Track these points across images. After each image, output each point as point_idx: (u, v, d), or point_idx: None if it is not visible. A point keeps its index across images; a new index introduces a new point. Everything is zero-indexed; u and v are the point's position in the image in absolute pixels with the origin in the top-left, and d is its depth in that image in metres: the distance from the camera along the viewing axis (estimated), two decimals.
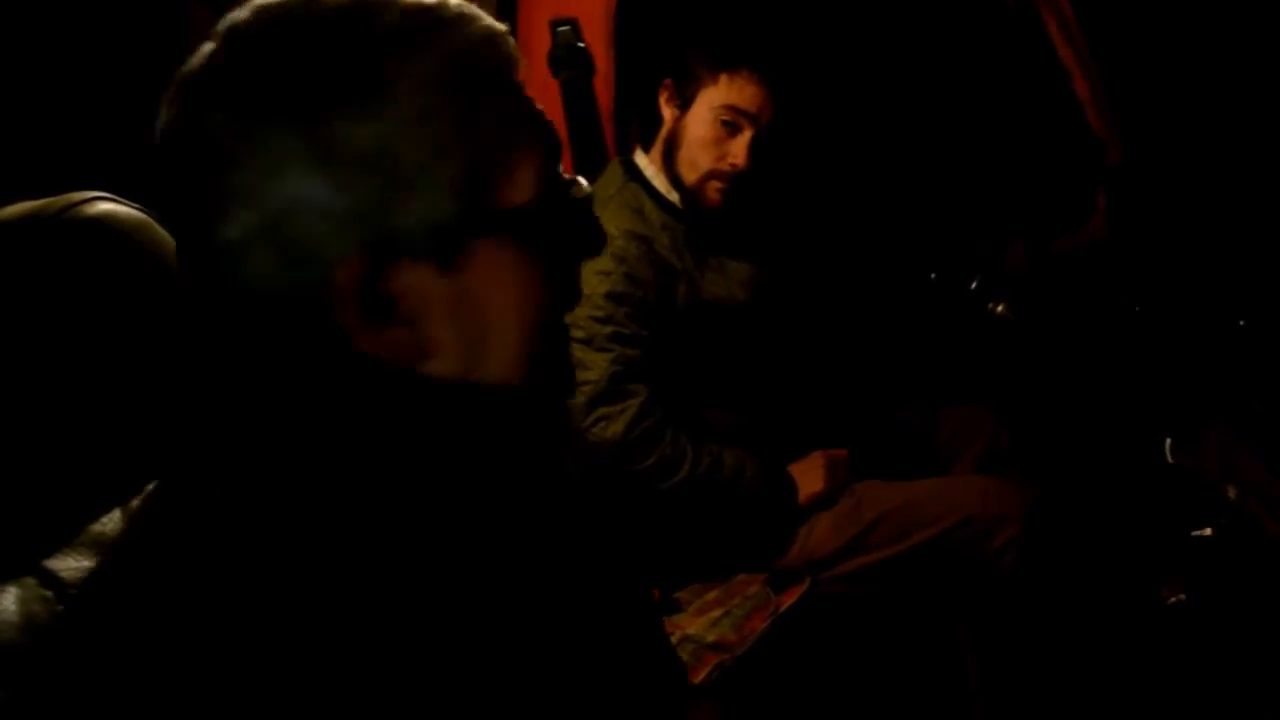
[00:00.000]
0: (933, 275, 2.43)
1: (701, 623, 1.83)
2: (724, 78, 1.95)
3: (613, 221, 1.97)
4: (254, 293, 0.70)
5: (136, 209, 0.96)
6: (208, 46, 0.70)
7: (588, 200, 0.81)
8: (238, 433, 0.74)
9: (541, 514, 0.83)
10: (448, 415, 0.75)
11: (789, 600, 1.90)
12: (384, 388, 0.73)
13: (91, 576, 0.78)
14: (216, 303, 0.72)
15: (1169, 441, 2.09)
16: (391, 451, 0.73)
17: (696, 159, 1.99)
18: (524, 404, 0.80)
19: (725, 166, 1.98)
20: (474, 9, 0.75)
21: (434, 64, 0.70)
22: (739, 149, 1.97)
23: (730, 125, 1.96)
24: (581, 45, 2.23)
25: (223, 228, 0.68)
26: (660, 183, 2.05)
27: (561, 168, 0.79)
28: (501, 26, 0.76)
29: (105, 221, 0.93)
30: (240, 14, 0.70)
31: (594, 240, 0.82)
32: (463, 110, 0.71)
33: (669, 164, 2.03)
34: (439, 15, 0.72)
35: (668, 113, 2.03)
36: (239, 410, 0.75)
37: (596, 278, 1.90)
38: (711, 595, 1.92)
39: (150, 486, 0.86)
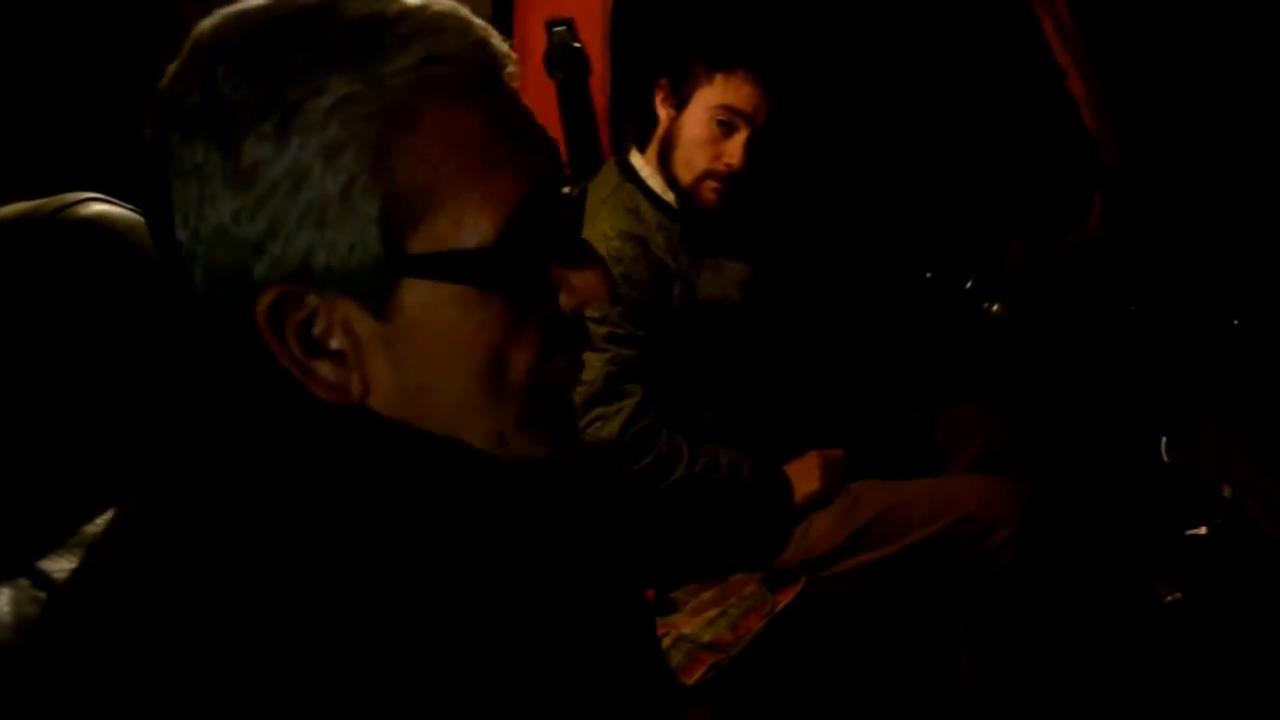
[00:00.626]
0: (929, 275, 2.43)
1: (697, 622, 1.83)
2: (720, 78, 1.95)
3: (608, 222, 1.97)
4: (203, 304, 0.68)
5: (130, 210, 0.96)
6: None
7: (574, 225, 0.74)
8: (198, 440, 0.73)
9: (514, 534, 0.80)
10: (385, 450, 0.71)
11: (785, 600, 1.90)
12: (312, 414, 0.70)
13: (62, 590, 0.78)
14: (184, 309, 0.71)
15: (1164, 440, 2.10)
16: (323, 474, 0.71)
17: (692, 159, 1.99)
18: (485, 468, 0.73)
19: (721, 167, 1.98)
20: (449, 22, 0.67)
21: (359, 92, 0.64)
22: (735, 149, 1.96)
23: (726, 125, 1.96)
24: (577, 45, 2.22)
25: (175, 236, 0.66)
26: (656, 183, 2.05)
27: (554, 195, 0.71)
28: (468, 51, 0.68)
29: (98, 223, 0.93)
30: (207, 21, 0.67)
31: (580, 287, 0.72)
32: (384, 145, 0.65)
33: (665, 164, 2.03)
34: (383, 36, 0.65)
35: (663, 113, 2.03)
36: (200, 417, 0.74)
37: None
38: (707, 595, 1.92)
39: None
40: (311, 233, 0.65)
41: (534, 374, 0.70)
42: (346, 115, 0.64)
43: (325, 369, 0.68)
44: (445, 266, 0.66)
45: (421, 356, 0.68)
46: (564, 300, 0.72)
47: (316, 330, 0.68)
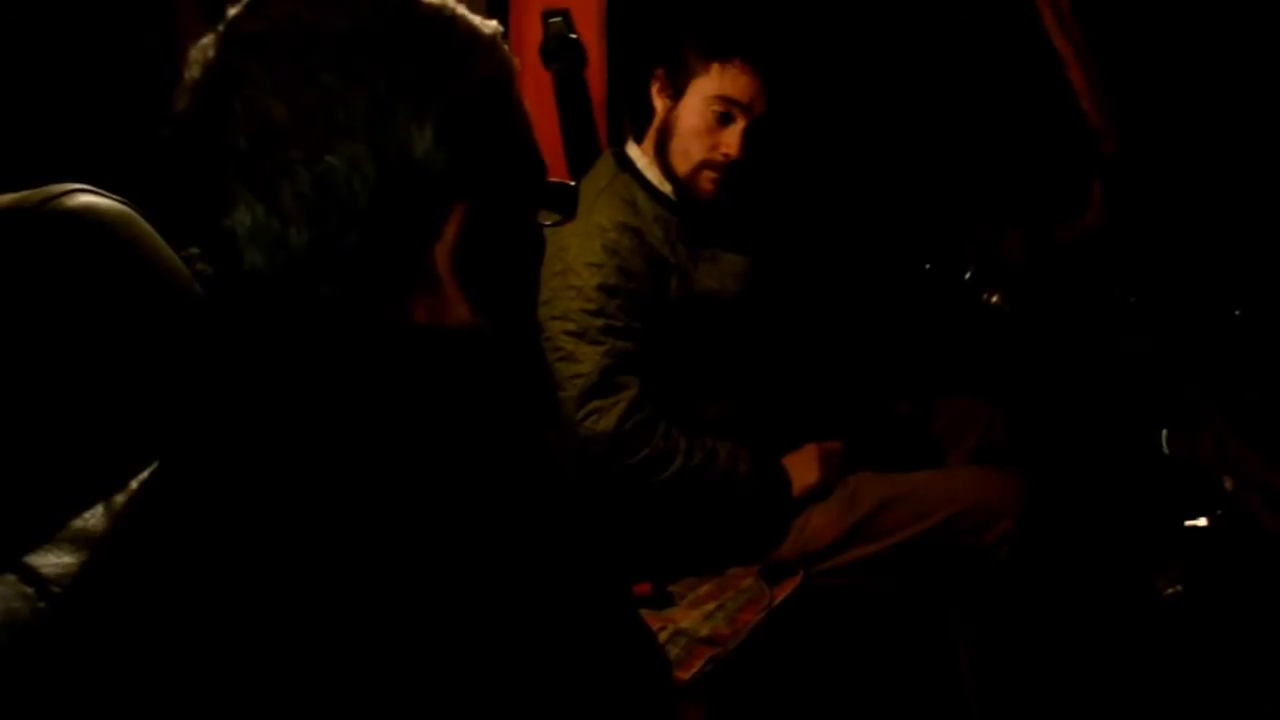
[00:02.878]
0: (927, 266, 2.42)
1: (694, 616, 1.82)
2: (716, 67, 1.94)
3: (604, 213, 1.95)
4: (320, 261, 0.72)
5: (118, 201, 0.94)
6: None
7: None
8: (251, 419, 0.73)
9: (541, 499, 0.82)
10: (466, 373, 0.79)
11: (782, 593, 1.90)
12: (423, 363, 0.76)
13: (89, 565, 0.78)
14: (252, 285, 0.74)
15: (1165, 432, 2.08)
16: (425, 430, 0.74)
17: (689, 149, 1.97)
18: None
19: (718, 156, 1.97)
20: None
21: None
22: (732, 138, 1.95)
23: (723, 115, 1.95)
24: (573, 37, 2.21)
25: (329, 157, 0.71)
26: (653, 174, 2.04)
27: None
28: None
29: (86, 214, 0.91)
30: None
31: None
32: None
33: (661, 155, 2.02)
34: None
35: (659, 103, 2.02)
36: (254, 396, 0.74)
37: (588, 270, 1.89)
38: (705, 589, 1.91)
39: (134, 483, 0.86)
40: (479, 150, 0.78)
41: None
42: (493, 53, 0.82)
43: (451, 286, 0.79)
44: None
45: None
46: None
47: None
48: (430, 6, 0.76)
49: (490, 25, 0.80)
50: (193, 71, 0.75)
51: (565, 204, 0.89)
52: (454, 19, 0.77)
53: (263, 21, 0.73)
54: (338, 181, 0.71)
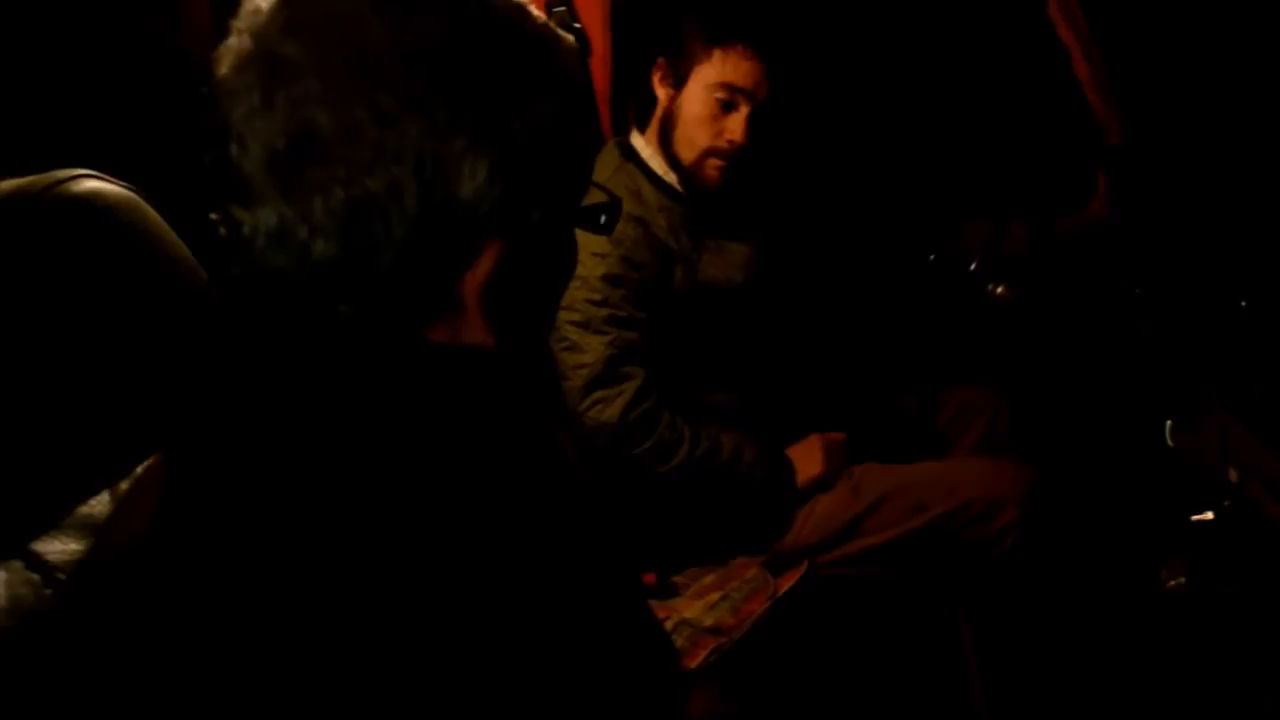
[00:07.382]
0: (932, 257, 2.41)
1: (699, 606, 1.82)
2: (718, 53, 1.93)
3: None
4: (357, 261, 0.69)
5: (124, 186, 0.94)
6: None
7: None
8: (261, 415, 0.72)
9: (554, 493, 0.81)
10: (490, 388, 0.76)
11: (787, 584, 1.90)
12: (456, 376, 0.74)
13: (94, 553, 0.78)
14: (277, 280, 0.71)
15: (1169, 424, 2.08)
16: (439, 436, 0.72)
17: (693, 137, 1.97)
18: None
19: (723, 144, 1.96)
20: None
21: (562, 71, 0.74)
22: (736, 125, 1.94)
23: (726, 103, 1.94)
24: (577, 26, 2.20)
25: (369, 181, 0.67)
26: (657, 164, 2.03)
27: None
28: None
29: (92, 199, 0.91)
30: None
31: None
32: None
33: (665, 144, 2.01)
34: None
35: (662, 92, 2.01)
36: (264, 391, 0.73)
37: (592, 260, 1.88)
38: (709, 579, 1.91)
39: (139, 470, 0.85)
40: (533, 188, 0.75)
41: None
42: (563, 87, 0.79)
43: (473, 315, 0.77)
44: None
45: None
46: None
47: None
48: (512, 24, 0.71)
49: (570, 40, 0.75)
50: (241, 39, 0.69)
51: (608, 222, 0.86)
52: (537, 39, 0.72)
53: (327, 15, 0.68)
54: (374, 208, 0.67)
